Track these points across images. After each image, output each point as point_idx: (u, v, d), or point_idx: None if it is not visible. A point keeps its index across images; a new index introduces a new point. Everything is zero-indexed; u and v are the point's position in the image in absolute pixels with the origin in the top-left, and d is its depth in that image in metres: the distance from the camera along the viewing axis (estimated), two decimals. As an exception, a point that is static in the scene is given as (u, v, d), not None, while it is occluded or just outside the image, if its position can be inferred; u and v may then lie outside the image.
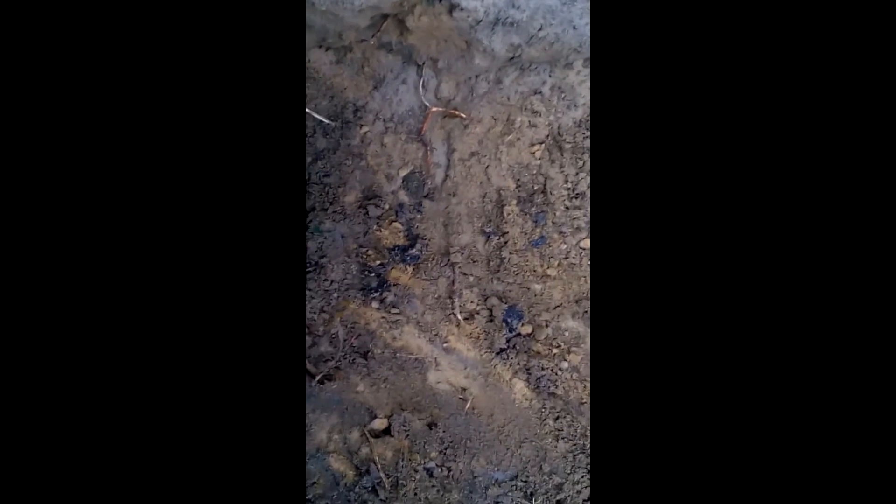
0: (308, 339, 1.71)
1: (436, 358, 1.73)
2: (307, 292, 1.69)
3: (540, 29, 1.34)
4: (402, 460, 1.54)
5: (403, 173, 1.76)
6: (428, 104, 1.64)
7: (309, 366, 1.70)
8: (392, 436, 1.57)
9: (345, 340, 1.72)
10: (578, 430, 1.55)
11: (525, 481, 1.54)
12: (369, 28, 1.51)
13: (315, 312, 1.70)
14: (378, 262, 1.79)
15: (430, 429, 1.59)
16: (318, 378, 1.66)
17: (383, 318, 1.75)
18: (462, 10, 1.29)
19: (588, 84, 1.47)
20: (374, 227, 1.78)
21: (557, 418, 1.58)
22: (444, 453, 1.56)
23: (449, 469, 1.53)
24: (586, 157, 1.53)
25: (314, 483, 1.50)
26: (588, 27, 1.34)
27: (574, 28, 1.34)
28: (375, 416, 1.61)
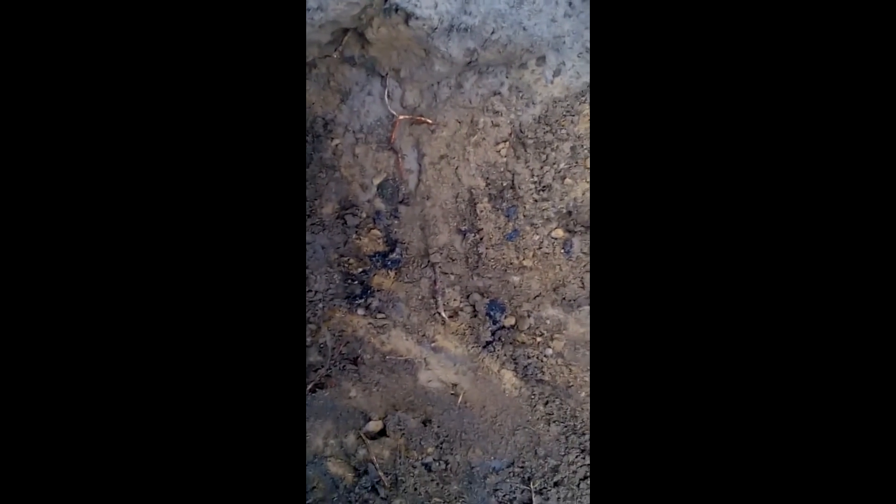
0: (297, 351, 1.73)
1: (425, 358, 1.77)
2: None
3: (492, 32, 1.41)
4: (400, 458, 1.57)
5: (377, 181, 1.82)
6: (395, 113, 1.70)
7: (300, 377, 1.72)
8: (388, 436, 1.60)
9: (333, 349, 1.76)
10: (568, 412, 1.60)
11: (522, 467, 1.59)
12: (331, 43, 1.57)
13: (302, 324, 1.73)
14: (360, 270, 1.83)
15: (425, 426, 1.62)
16: (309, 387, 1.69)
17: (370, 324, 1.79)
18: (417, 18, 1.36)
19: (542, 82, 1.55)
20: (354, 235, 1.83)
21: (547, 403, 1.63)
22: (441, 447, 1.59)
23: (446, 462, 1.57)
24: (549, 151, 1.61)
25: (314, 488, 1.52)
26: (536, 27, 1.42)
27: (524, 29, 1.42)
28: (370, 419, 1.64)
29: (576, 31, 1.45)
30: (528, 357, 1.66)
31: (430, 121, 1.69)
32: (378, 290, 1.81)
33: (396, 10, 1.35)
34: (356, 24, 1.45)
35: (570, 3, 1.39)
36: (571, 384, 1.62)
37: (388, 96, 1.70)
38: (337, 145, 1.79)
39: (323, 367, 1.73)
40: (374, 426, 1.62)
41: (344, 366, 1.73)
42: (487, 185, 1.70)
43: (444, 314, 1.75)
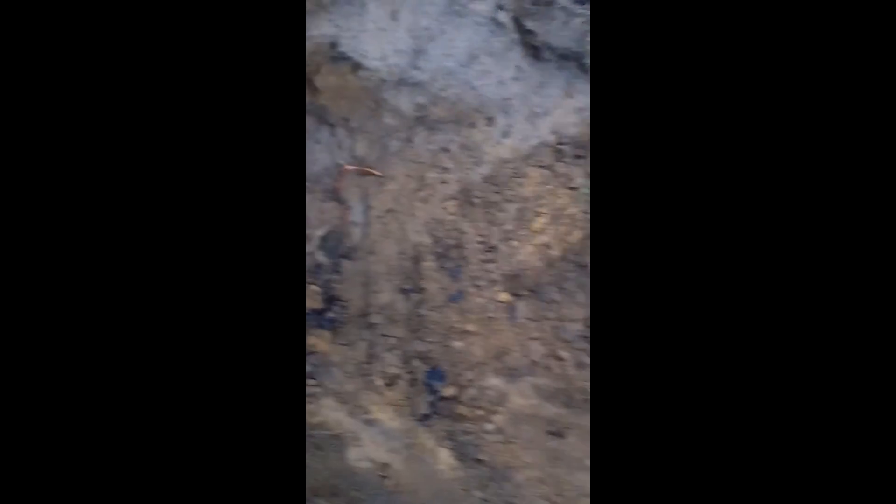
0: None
1: (355, 432, 1.58)
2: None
3: (441, 89, 1.41)
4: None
5: (320, 233, 1.72)
6: (342, 163, 1.65)
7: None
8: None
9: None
10: (504, 498, 1.42)
11: (452, 567, 1.37)
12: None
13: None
14: (291, 327, 1.68)
15: (345, 514, 1.41)
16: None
17: (296, 388, 1.61)
18: (365, 69, 1.34)
19: (491, 142, 1.55)
20: (289, 289, 1.70)
21: (485, 487, 1.45)
22: (360, 541, 1.37)
23: (364, 560, 1.34)
24: (496, 211, 1.57)
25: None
26: (485, 88, 1.43)
27: (473, 89, 1.43)
28: None
29: (523, 94, 1.46)
30: (467, 433, 1.51)
31: (378, 173, 1.64)
32: (311, 353, 1.66)
33: (344, 57, 1.34)
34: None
35: (517, 67, 1.41)
36: (511, 465, 1.46)
37: (338, 146, 1.66)
38: (280, 193, 1.71)
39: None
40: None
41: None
42: (434, 241, 1.63)
43: (380, 382, 1.60)
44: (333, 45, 1.27)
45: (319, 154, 1.68)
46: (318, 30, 1.23)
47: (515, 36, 1.35)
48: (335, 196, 1.69)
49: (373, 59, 1.31)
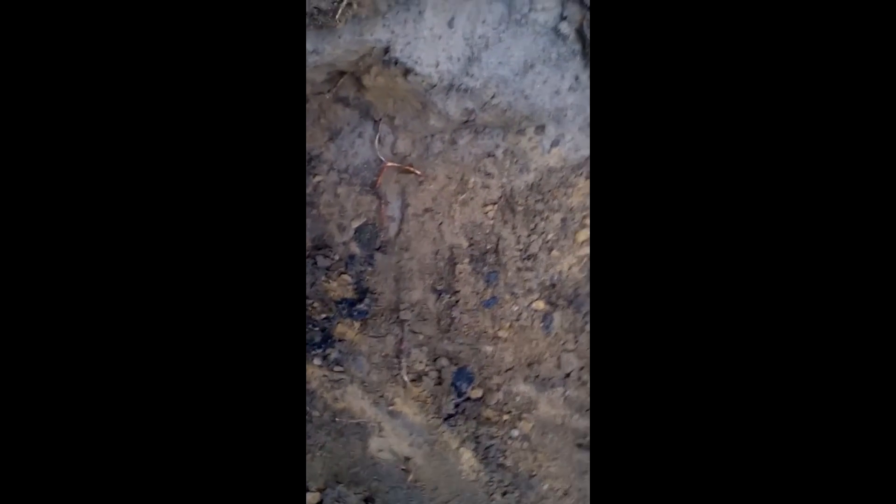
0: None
1: (379, 423, 1.62)
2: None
3: (493, 96, 1.37)
4: (333, 542, 1.40)
5: (356, 224, 1.72)
6: (383, 158, 1.63)
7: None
8: (324, 513, 1.44)
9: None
10: (526, 508, 1.47)
11: (468, 564, 1.43)
12: (326, 83, 1.51)
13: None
14: (324, 316, 1.70)
15: (368, 504, 1.47)
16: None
17: (325, 376, 1.65)
18: (416, 74, 1.31)
19: (539, 150, 1.51)
20: (323, 278, 1.71)
21: (505, 493, 1.49)
22: (381, 533, 1.43)
23: (385, 552, 1.40)
24: (538, 220, 1.55)
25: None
26: (539, 97, 1.38)
27: (525, 98, 1.38)
28: (307, 490, 1.47)
29: (579, 104, 1.41)
30: (492, 437, 1.54)
31: (419, 172, 1.62)
32: (340, 341, 1.68)
33: (396, 62, 1.30)
34: (353, 69, 1.40)
35: (576, 78, 1.36)
36: (535, 473, 1.49)
37: (380, 141, 1.63)
38: (319, 182, 1.70)
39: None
40: (311, 498, 1.45)
41: (289, 422, 1.58)
42: (470, 245, 1.62)
43: (406, 377, 1.63)
44: (387, 49, 1.23)
45: (360, 148, 1.65)
46: (372, 35, 1.19)
47: (577, 46, 1.29)
48: (373, 190, 1.68)
49: (426, 65, 1.27)
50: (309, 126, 1.65)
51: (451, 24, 1.22)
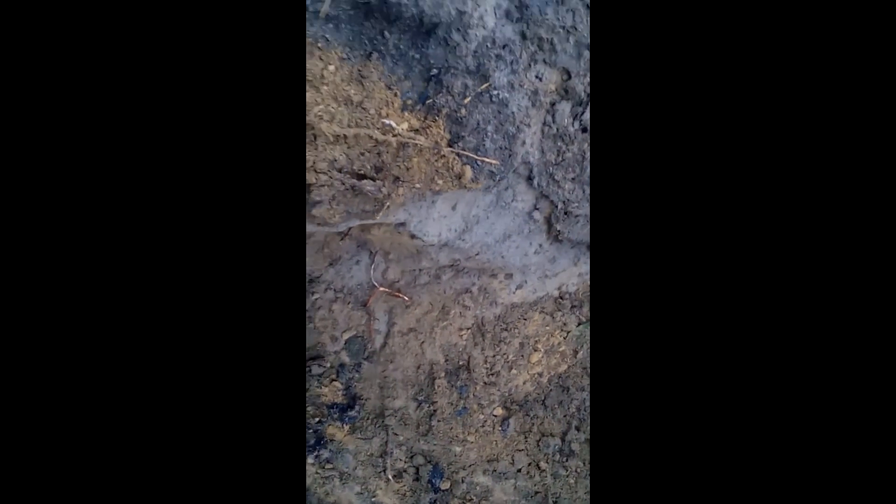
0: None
1: (362, 511, 1.87)
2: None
3: (476, 254, 1.73)
4: None
5: (347, 336, 1.98)
6: (376, 283, 1.92)
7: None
8: None
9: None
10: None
11: None
12: (338, 233, 1.78)
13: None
14: (317, 420, 1.93)
15: None
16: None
17: (317, 473, 1.87)
18: (419, 239, 1.63)
19: (507, 291, 1.88)
20: (316, 384, 1.94)
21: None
22: None
23: None
24: (502, 344, 1.91)
25: None
26: (511, 257, 1.76)
27: (502, 257, 1.76)
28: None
29: (540, 263, 1.82)
30: (460, 524, 1.85)
31: (406, 297, 1.92)
32: (330, 441, 1.91)
33: (403, 225, 1.62)
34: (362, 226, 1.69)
35: (540, 245, 1.77)
36: (495, 557, 1.82)
37: (374, 269, 1.92)
38: (317, 299, 1.95)
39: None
40: None
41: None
42: (446, 361, 1.95)
43: (389, 475, 1.89)
44: (401, 224, 1.55)
45: (356, 272, 1.93)
46: (395, 217, 1.51)
47: (544, 227, 1.70)
48: (364, 307, 1.95)
49: (431, 235, 1.61)
50: (312, 254, 1.90)
51: (454, 208, 1.57)
